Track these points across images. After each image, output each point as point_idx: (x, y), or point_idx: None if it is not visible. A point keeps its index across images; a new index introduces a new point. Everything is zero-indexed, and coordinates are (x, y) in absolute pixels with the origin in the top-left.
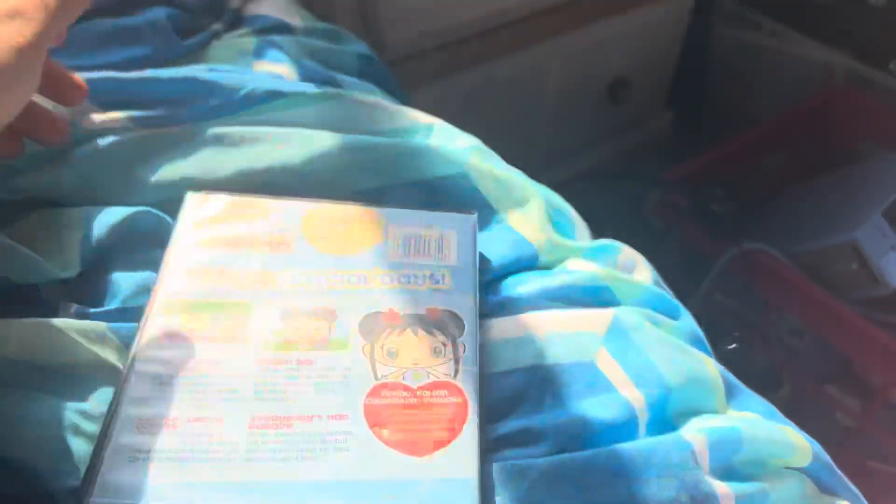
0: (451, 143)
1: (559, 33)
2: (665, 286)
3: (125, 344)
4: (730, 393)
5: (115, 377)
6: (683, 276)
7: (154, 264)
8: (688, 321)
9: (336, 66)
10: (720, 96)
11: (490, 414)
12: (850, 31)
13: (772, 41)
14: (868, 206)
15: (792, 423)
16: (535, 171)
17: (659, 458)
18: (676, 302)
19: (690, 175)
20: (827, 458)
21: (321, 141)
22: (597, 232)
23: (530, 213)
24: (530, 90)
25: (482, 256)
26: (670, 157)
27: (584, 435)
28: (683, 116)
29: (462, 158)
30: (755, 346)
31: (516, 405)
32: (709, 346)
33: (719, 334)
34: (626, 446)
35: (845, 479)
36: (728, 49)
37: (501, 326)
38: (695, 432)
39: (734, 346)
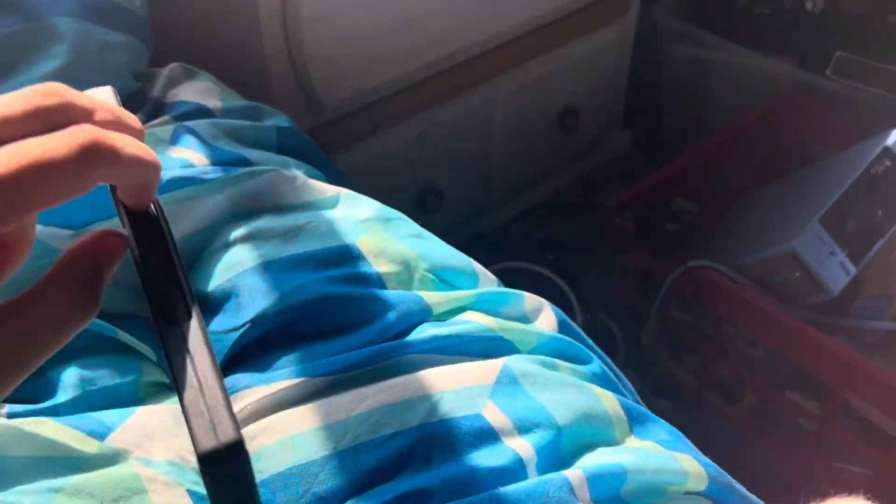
0: (355, 213)
1: (501, 72)
2: (574, 328)
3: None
4: (636, 422)
5: None
6: (643, 296)
7: None
8: (595, 364)
9: (253, 142)
10: (676, 112)
11: (379, 476)
12: (791, 40)
13: (718, 54)
14: (807, 214)
15: (693, 449)
16: (495, 205)
17: (536, 499)
18: (582, 346)
19: (642, 194)
20: (727, 479)
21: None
22: (561, 257)
23: (417, 280)
24: (478, 129)
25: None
26: (633, 175)
27: (472, 486)
28: (641, 135)
29: (354, 233)
30: (715, 359)
31: (404, 464)
32: (619, 384)
33: (679, 350)
34: (506, 489)
35: (750, 496)
36: (678, 66)
37: (393, 389)
38: (575, 468)
39: None
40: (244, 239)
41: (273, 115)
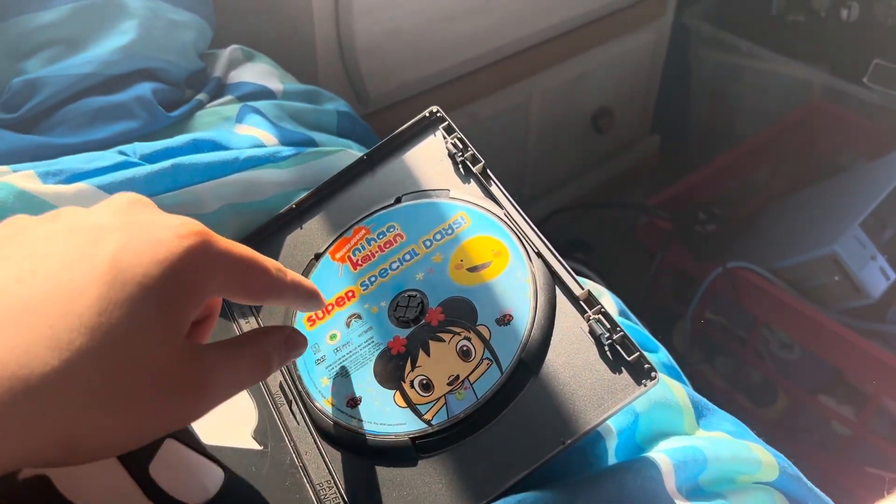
0: None
1: (538, 70)
2: (632, 317)
3: None
4: (700, 414)
5: None
6: (676, 297)
7: None
8: (662, 353)
9: (315, 125)
10: (704, 117)
11: None
12: (824, 48)
13: (750, 61)
14: (847, 218)
15: (760, 440)
16: (525, 204)
17: (629, 482)
18: (648, 334)
19: (675, 197)
20: (795, 471)
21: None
22: (594, 257)
23: None
24: (513, 127)
25: None
26: (659, 179)
27: (558, 460)
28: (669, 139)
29: None
30: (749, 362)
31: None
32: (682, 374)
33: (712, 352)
34: (596, 473)
35: (816, 490)
36: (708, 71)
37: None
38: (661, 453)
39: None
40: None
41: (332, 100)
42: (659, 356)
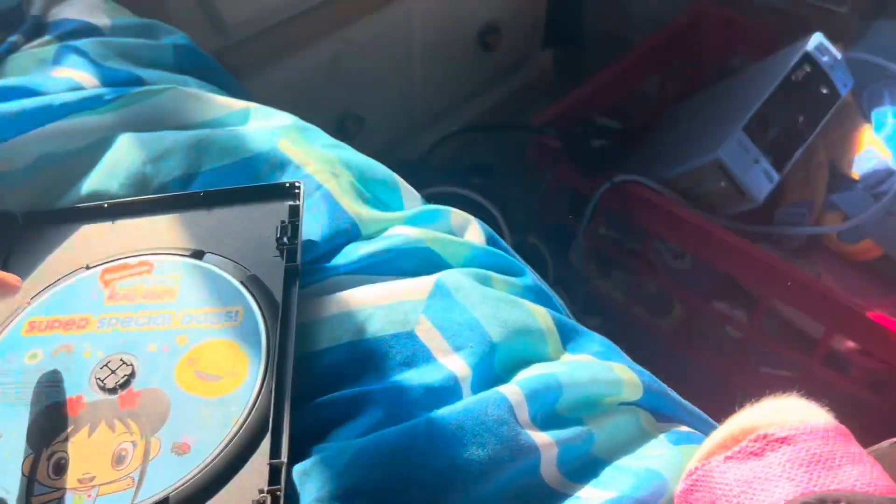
0: (267, 124)
1: None
2: (502, 242)
3: None
4: (568, 338)
5: None
6: (572, 214)
7: None
8: (528, 277)
9: (149, 62)
10: (597, 28)
11: (310, 394)
12: None
13: None
14: (731, 123)
15: (626, 358)
16: (417, 130)
17: (475, 419)
18: (515, 259)
19: (564, 113)
20: (661, 386)
21: (120, 153)
22: (487, 180)
23: (344, 185)
24: (396, 49)
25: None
26: (556, 96)
27: (405, 406)
28: (563, 54)
29: (273, 137)
30: (643, 274)
31: (335, 383)
32: (553, 298)
33: (607, 266)
34: (442, 412)
35: (685, 403)
36: None
37: (322, 305)
38: (513, 385)
39: None
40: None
41: (169, 33)
42: (524, 280)
